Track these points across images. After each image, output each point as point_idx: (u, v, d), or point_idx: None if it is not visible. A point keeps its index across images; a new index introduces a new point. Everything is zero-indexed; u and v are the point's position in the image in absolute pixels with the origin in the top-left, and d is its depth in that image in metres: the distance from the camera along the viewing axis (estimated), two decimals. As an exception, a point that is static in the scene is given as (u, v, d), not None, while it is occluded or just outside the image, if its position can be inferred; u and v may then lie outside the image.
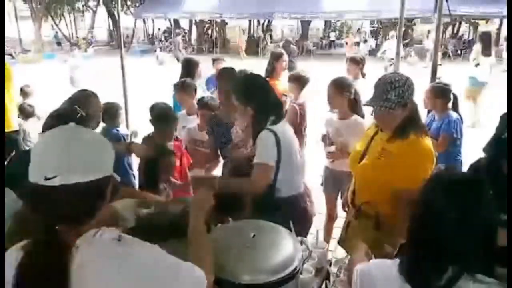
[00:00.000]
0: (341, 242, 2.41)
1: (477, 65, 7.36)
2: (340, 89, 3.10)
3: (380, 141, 2.11)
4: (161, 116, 2.86)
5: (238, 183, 2.34)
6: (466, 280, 1.06)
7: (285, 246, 1.51)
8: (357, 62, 4.55)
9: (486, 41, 7.39)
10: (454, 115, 3.44)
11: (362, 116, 3.19)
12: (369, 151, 2.17)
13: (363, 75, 4.53)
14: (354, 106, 3.17)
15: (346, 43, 20.86)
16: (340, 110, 3.18)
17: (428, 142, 2.03)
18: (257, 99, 2.33)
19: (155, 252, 1.07)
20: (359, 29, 28.58)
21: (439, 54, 6.41)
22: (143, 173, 2.74)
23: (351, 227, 2.26)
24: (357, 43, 22.61)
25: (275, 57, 4.49)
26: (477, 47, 7.51)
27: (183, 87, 3.73)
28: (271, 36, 26.79)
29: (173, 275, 1.06)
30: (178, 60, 16.40)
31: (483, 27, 27.92)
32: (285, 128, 2.39)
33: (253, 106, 2.32)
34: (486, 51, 7.16)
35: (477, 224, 1.08)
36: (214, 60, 5.48)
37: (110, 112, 3.48)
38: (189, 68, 4.33)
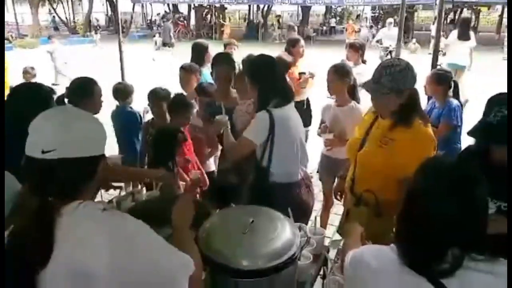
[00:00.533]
0: (340, 230, 2.41)
1: (444, 54, 7.61)
2: (340, 75, 3.08)
3: (381, 128, 2.08)
4: (180, 104, 2.97)
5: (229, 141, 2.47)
6: (469, 261, 1.05)
7: (283, 232, 1.51)
8: (356, 48, 4.52)
9: (464, 26, 7.47)
10: (454, 102, 3.42)
11: (358, 102, 3.17)
12: (370, 138, 2.14)
13: (364, 62, 4.50)
14: (352, 92, 3.16)
15: (346, 29, 20.60)
16: (338, 96, 3.16)
17: (430, 131, 2.01)
18: (262, 79, 2.36)
19: (143, 226, 1.09)
20: (358, 15, 28.31)
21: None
22: (155, 150, 2.69)
23: (351, 215, 2.25)
24: (358, 30, 22.40)
25: (292, 43, 4.47)
26: (454, 33, 7.63)
27: (187, 71, 3.68)
28: (279, 21, 26.42)
29: (163, 252, 1.08)
30: (168, 45, 16.24)
31: (485, 13, 27.72)
32: (288, 113, 2.38)
33: (258, 86, 2.36)
34: (464, 36, 7.27)
35: (472, 206, 1.06)
36: (225, 45, 5.38)
37: (124, 92, 3.87)
38: (198, 52, 4.25)
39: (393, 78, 1.94)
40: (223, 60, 3.18)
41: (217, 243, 1.47)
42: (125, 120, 3.89)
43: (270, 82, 2.36)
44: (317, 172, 3.51)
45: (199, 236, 1.51)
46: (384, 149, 2.04)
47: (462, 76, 7.22)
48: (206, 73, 4.04)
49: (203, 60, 4.15)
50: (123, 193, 2.22)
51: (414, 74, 1.98)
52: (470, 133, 1.68)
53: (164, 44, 16.28)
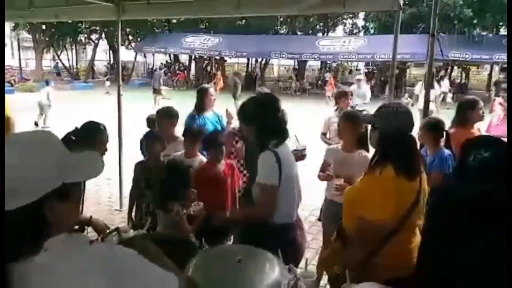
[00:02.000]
0: (320, 264, 2.39)
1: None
2: (351, 122, 3.15)
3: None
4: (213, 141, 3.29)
5: (248, 213, 2.42)
6: None
7: (270, 272, 1.46)
8: (346, 94, 4.91)
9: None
10: (446, 151, 3.45)
11: (367, 150, 3.17)
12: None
13: (352, 107, 4.74)
14: (362, 140, 3.15)
15: (328, 82, 20.78)
16: (347, 143, 3.20)
17: (393, 178, 1.97)
18: (257, 120, 2.34)
19: (135, 255, 1.01)
20: (351, 70, 29.31)
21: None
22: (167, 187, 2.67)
23: (329, 250, 2.30)
24: (350, 83, 23.12)
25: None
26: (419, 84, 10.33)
27: (165, 115, 3.82)
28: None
29: (159, 281, 1.01)
30: (154, 91, 16.81)
31: (474, 72, 28.84)
32: (286, 150, 2.39)
33: (254, 127, 2.35)
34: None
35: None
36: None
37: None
38: (200, 95, 4.43)
39: (377, 113, 2.09)
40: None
41: (203, 282, 1.41)
42: None
43: (266, 121, 2.32)
44: (319, 219, 3.48)
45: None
46: (355, 189, 2.11)
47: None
48: (208, 117, 4.27)
49: (204, 103, 4.33)
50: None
51: (403, 118, 2.02)
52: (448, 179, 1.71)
53: (154, 90, 16.75)
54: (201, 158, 3.47)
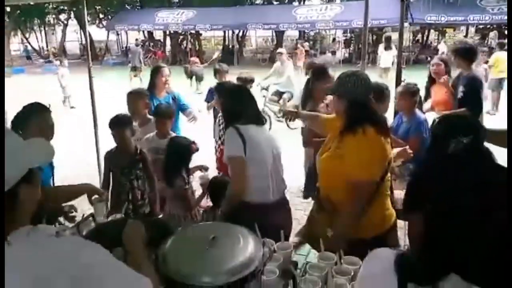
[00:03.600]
0: (300, 235, 2.46)
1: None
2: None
3: (338, 133, 2.19)
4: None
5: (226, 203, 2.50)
6: None
7: (245, 247, 1.49)
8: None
9: (388, 41, 12.07)
10: (422, 116, 3.52)
11: None
12: (330, 144, 2.24)
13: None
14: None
15: (296, 54, 20.20)
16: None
17: (376, 137, 2.08)
18: (229, 102, 2.62)
19: (100, 250, 1.03)
20: (334, 39, 29.10)
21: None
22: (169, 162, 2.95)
23: (312, 221, 2.36)
24: (334, 52, 23.07)
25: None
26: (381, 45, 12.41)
27: (136, 96, 3.75)
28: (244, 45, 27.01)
29: (119, 277, 1.02)
30: (135, 69, 16.20)
31: (450, 34, 29.01)
32: (256, 132, 2.45)
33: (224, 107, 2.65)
34: (388, 48, 11.69)
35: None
36: (216, 72, 5.41)
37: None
38: (151, 76, 4.28)
39: (339, 83, 2.14)
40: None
41: (177, 261, 1.43)
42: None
43: (236, 104, 2.53)
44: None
45: (159, 255, 1.47)
46: (336, 153, 2.15)
47: (389, 74, 10.91)
48: (160, 99, 4.13)
49: (155, 85, 4.19)
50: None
51: (353, 80, 2.10)
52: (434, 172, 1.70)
53: (134, 68, 16.22)
54: (175, 136, 3.44)
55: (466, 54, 3.99)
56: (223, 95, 2.68)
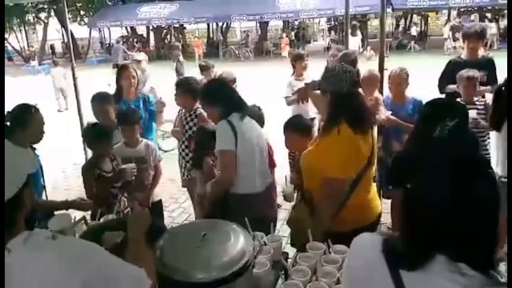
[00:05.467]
0: (288, 223, 2.52)
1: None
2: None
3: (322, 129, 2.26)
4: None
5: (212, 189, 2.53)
6: (445, 269, 0.93)
7: (235, 242, 1.54)
8: (301, 57, 4.79)
9: (354, 28, 13.71)
10: (417, 97, 3.57)
11: None
12: (315, 139, 2.31)
13: None
14: None
15: (281, 44, 20.18)
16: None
17: (352, 136, 2.08)
18: (218, 99, 2.56)
19: (94, 246, 1.10)
20: (324, 28, 29.08)
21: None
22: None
23: (295, 209, 2.43)
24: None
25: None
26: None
27: (99, 100, 3.39)
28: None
29: (114, 269, 1.09)
30: (117, 67, 15.98)
31: (433, 18, 29.17)
32: (248, 124, 2.52)
33: (216, 105, 2.56)
34: (353, 34, 13.19)
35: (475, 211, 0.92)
36: (202, 69, 5.29)
37: None
38: (117, 76, 3.96)
39: (322, 78, 2.16)
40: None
41: (171, 259, 1.48)
42: None
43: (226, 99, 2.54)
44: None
45: (153, 254, 1.51)
46: (315, 151, 2.20)
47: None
48: (128, 102, 3.80)
49: (120, 86, 3.89)
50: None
51: (338, 75, 2.08)
52: (417, 153, 1.76)
53: (116, 65, 15.98)
54: (146, 143, 3.21)
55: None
56: (213, 94, 2.62)
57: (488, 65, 3.88)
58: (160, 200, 3.44)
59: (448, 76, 3.88)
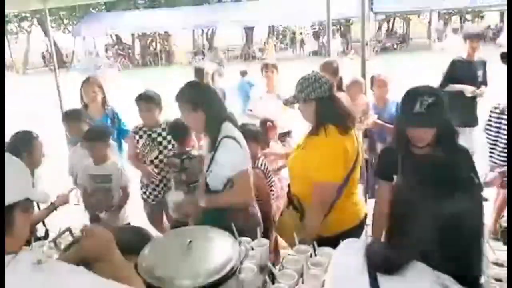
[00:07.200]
0: (276, 230, 2.53)
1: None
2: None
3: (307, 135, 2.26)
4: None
5: (223, 197, 2.27)
6: (426, 279, 0.93)
7: (221, 248, 1.55)
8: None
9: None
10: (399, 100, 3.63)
11: None
12: (299, 144, 2.32)
13: None
14: None
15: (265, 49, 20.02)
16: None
17: (338, 139, 2.10)
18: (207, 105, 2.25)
19: (81, 274, 1.06)
20: (301, 33, 29.28)
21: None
22: None
23: (283, 215, 2.43)
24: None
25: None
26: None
27: (71, 117, 3.21)
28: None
29: None
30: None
31: (416, 20, 29.69)
32: (240, 135, 2.35)
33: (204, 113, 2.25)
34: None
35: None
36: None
37: None
38: (80, 92, 3.61)
39: (301, 88, 2.14)
40: None
41: (157, 268, 1.48)
42: None
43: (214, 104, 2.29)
44: None
45: (139, 263, 1.51)
46: (301, 155, 2.21)
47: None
48: (96, 118, 3.53)
49: (84, 101, 3.62)
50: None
51: (319, 83, 2.11)
52: (400, 124, 1.90)
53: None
54: (114, 162, 3.01)
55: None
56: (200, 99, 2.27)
57: (483, 66, 4.25)
58: None
59: (450, 75, 4.20)
